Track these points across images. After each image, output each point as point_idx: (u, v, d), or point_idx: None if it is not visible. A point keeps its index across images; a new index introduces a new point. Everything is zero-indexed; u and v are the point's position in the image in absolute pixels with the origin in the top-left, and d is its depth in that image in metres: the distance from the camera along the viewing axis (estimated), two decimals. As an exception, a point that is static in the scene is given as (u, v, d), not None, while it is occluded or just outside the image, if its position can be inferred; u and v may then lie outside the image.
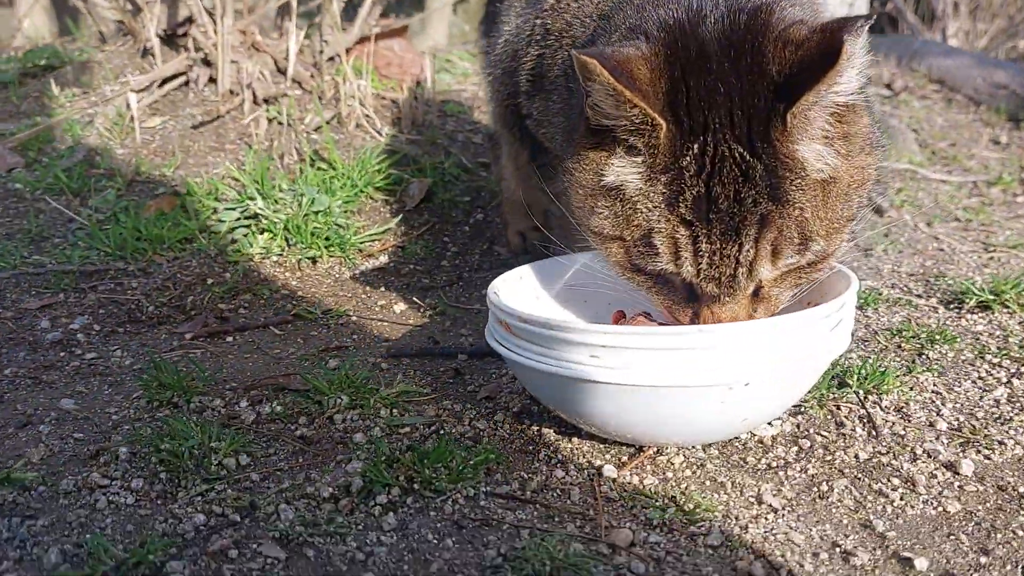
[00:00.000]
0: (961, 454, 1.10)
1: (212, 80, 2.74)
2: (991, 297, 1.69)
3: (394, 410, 1.24)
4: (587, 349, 0.99)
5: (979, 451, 1.11)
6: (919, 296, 1.80)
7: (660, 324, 1.13)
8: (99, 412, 1.29)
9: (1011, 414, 1.21)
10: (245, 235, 2.04)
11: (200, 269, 1.93)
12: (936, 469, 1.06)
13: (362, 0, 2.88)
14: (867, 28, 0.99)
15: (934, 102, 4.06)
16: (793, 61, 1.00)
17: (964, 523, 0.96)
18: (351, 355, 1.50)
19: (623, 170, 1.05)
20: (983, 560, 0.89)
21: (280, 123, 2.57)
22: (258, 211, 2.04)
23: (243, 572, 0.88)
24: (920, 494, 1.01)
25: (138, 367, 1.50)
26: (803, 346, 1.00)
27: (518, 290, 1.28)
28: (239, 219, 2.09)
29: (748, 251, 0.99)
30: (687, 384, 0.98)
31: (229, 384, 1.39)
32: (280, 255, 2.00)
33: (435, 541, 0.92)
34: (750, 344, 0.97)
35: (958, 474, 1.05)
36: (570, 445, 1.13)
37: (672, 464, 1.08)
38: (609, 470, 1.06)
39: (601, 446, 1.13)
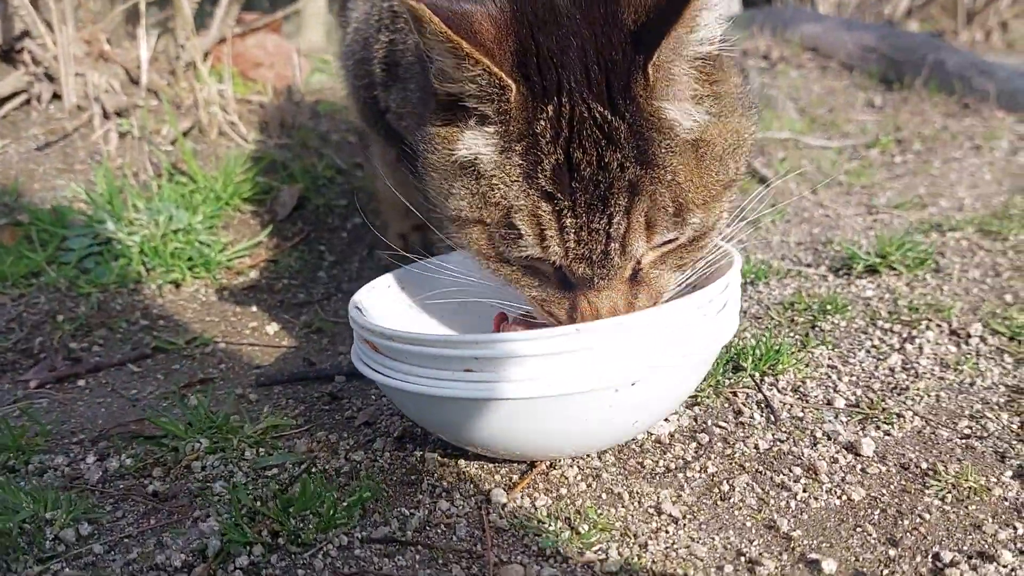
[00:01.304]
0: (861, 433, 1.05)
1: (57, 96, 2.52)
2: (878, 260, 1.67)
3: (260, 449, 1.12)
4: (459, 363, 0.90)
5: (879, 427, 1.06)
6: (808, 265, 1.78)
7: (541, 326, 1.04)
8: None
9: (907, 382, 1.18)
10: (98, 263, 1.87)
11: (49, 306, 1.75)
12: (837, 452, 1.01)
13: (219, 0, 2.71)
14: None
15: (809, 70, 4.12)
16: (648, 6, 0.91)
17: (870, 512, 0.90)
18: (215, 389, 1.37)
19: (475, 142, 0.94)
20: (892, 553, 0.83)
21: (133, 136, 2.38)
22: (109, 235, 1.87)
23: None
24: (823, 483, 0.95)
25: (-25, 424, 1.33)
26: (689, 337, 0.92)
27: (386, 302, 1.18)
28: (91, 246, 1.91)
29: (619, 223, 0.89)
30: (570, 392, 0.89)
31: (76, 437, 1.23)
32: (137, 282, 1.83)
33: (305, 602, 0.82)
34: (632, 341, 0.89)
35: (859, 455, 1.00)
36: (456, 470, 1.03)
37: (566, 479, 1.00)
38: (498, 495, 0.96)
39: (490, 466, 1.04)
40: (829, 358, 1.27)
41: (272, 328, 1.67)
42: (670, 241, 0.94)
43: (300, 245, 2.04)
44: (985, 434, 1.03)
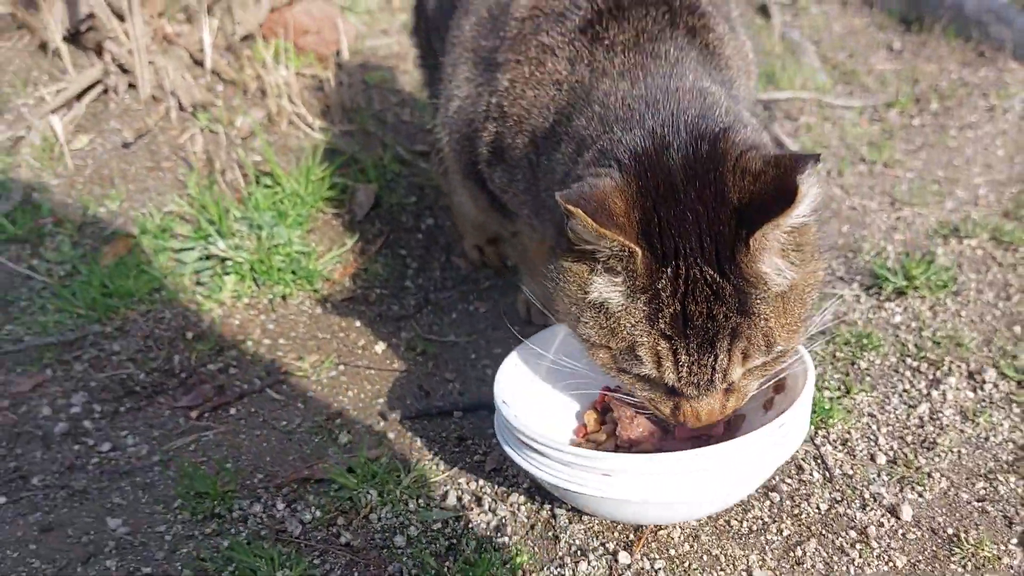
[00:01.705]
0: (900, 495, 1.34)
1: (131, 85, 2.67)
2: (904, 283, 1.92)
3: (420, 500, 1.40)
4: (598, 471, 1.17)
5: (913, 488, 1.35)
6: (842, 280, 2.03)
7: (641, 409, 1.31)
8: (150, 533, 1.41)
9: (934, 436, 1.46)
10: (212, 277, 2.10)
11: (176, 321, 2.00)
12: (882, 516, 1.30)
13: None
14: (817, 164, 1.12)
15: (831, 5, 4.21)
16: (752, 191, 1.13)
17: None
18: (353, 423, 1.65)
19: (605, 289, 1.17)
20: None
21: (212, 131, 2.55)
22: (220, 253, 2.09)
23: None
24: (873, 548, 1.25)
25: (157, 459, 1.61)
26: (778, 454, 1.20)
27: (516, 380, 1.42)
28: (200, 259, 2.13)
29: (722, 360, 1.15)
30: (687, 501, 1.17)
31: (257, 476, 1.52)
32: (251, 296, 2.07)
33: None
34: (736, 463, 1.16)
35: (899, 519, 1.29)
36: (583, 527, 1.33)
37: (672, 539, 1.29)
38: (623, 556, 1.26)
39: (608, 524, 1.33)
40: (869, 405, 1.55)
41: (380, 347, 1.93)
42: (760, 361, 1.20)
43: (383, 249, 2.27)
44: (997, 497, 1.32)
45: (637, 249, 1.11)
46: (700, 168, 1.16)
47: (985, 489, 1.34)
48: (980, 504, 1.31)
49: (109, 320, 2.00)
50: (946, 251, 2.10)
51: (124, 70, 2.64)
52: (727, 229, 1.12)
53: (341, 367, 1.85)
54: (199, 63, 2.77)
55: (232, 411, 1.74)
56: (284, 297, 2.08)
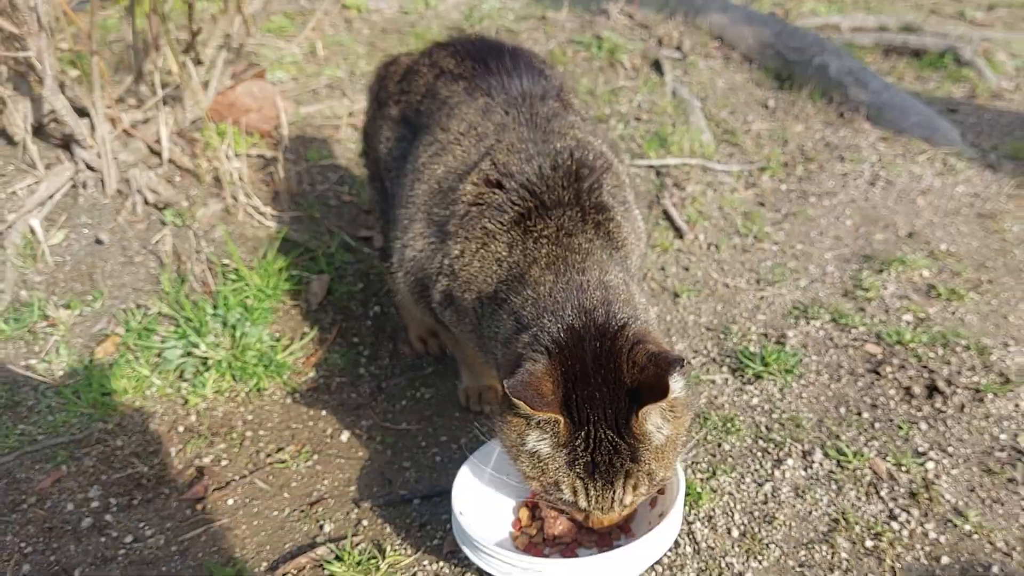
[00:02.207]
0: (746, 563, 1.86)
1: (99, 180, 2.97)
2: (762, 368, 2.45)
3: (395, 580, 1.85)
4: (534, 571, 1.64)
5: (755, 557, 1.87)
6: (715, 361, 2.54)
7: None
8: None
9: (774, 511, 1.99)
10: (194, 374, 2.47)
11: (168, 416, 2.37)
12: (733, 583, 1.82)
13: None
14: (682, 367, 1.58)
15: (716, 61, 4.72)
16: (639, 379, 1.60)
17: (749, 628, 1.72)
18: (333, 511, 2.07)
19: (537, 442, 1.63)
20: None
21: (177, 224, 2.88)
22: (201, 354, 2.46)
23: None
24: (725, 609, 1.76)
25: (175, 549, 2.00)
26: (662, 547, 1.69)
27: (467, 491, 1.87)
28: (182, 355, 2.50)
29: (619, 493, 1.63)
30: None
31: (262, 564, 1.93)
32: (230, 390, 2.45)
33: None
34: (635, 561, 1.65)
35: (745, 584, 1.81)
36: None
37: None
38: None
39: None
40: (729, 485, 2.06)
41: (345, 436, 2.34)
42: (644, 490, 1.68)
43: (338, 338, 2.67)
44: (813, 563, 1.85)
45: (561, 419, 1.57)
46: (604, 358, 1.61)
47: (805, 556, 1.87)
48: (800, 569, 1.84)
49: (110, 417, 2.35)
50: (796, 332, 2.64)
51: (91, 168, 2.94)
52: (623, 404, 1.59)
53: (315, 456, 2.27)
54: (156, 153, 3.09)
55: (230, 502, 2.14)
56: (259, 389, 2.47)
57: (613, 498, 1.63)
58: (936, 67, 5.03)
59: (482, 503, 1.89)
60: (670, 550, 1.89)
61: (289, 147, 3.37)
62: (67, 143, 2.99)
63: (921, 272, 2.95)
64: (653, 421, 1.60)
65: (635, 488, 1.64)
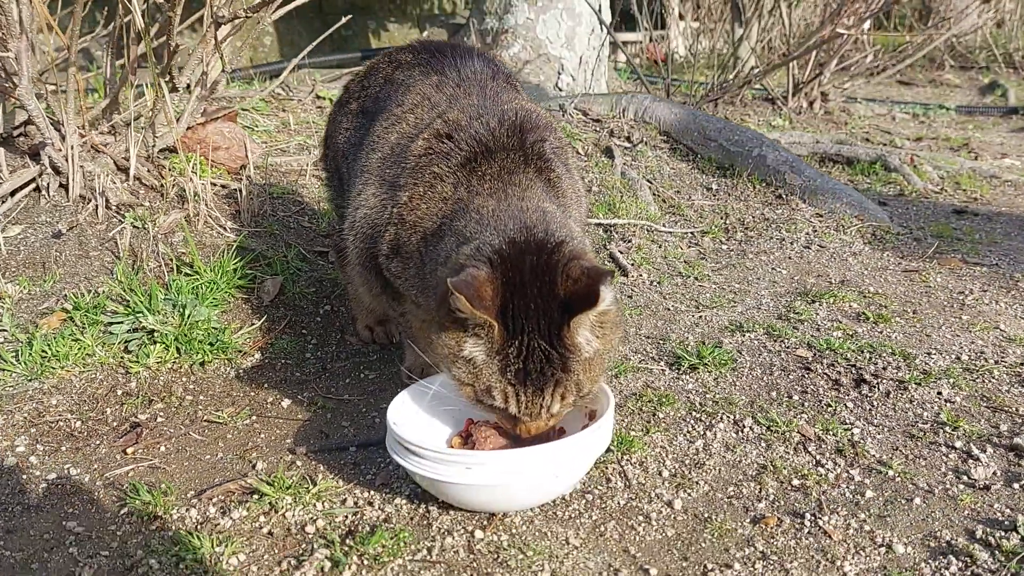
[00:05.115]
0: (675, 493, 1.87)
1: (61, 185, 3.06)
2: (697, 361, 2.53)
3: (325, 503, 1.83)
4: (463, 465, 1.65)
5: (685, 490, 1.89)
6: (653, 359, 2.62)
7: (497, 428, 1.81)
8: (103, 531, 1.77)
9: (704, 460, 2.02)
10: (139, 347, 2.48)
11: (107, 381, 2.37)
12: (662, 507, 1.83)
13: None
14: (611, 278, 1.67)
15: (663, 151, 5.03)
16: (572, 290, 1.68)
17: (675, 542, 1.73)
18: (268, 455, 2.06)
19: (473, 348, 1.68)
20: (684, 564, 1.65)
21: (136, 227, 2.96)
22: (149, 326, 2.48)
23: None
24: (653, 525, 1.77)
25: (100, 483, 1.96)
26: (589, 452, 1.72)
27: (404, 409, 1.90)
28: (129, 330, 2.51)
29: (547, 400, 1.67)
30: (531, 484, 1.67)
31: (189, 492, 1.90)
32: (174, 362, 2.46)
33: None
34: (563, 457, 1.67)
35: (673, 508, 1.82)
36: (451, 516, 1.79)
37: (514, 523, 1.77)
38: (479, 534, 1.72)
39: (469, 513, 1.80)
40: (661, 441, 2.10)
41: (286, 403, 2.35)
42: (572, 399, 1.72)
43: (287, 329, 2.71)
44: (740, 496, 1.87)
45: (496, 324, 1.64)
46: (540, 271, 1.69)
47: (733, 491, 1.90)
48: (728, 500, 1.86)
49: (47, 379, 2.34)
50: (732, 341, 2.74)
51: (57, 172, 3.03)
52: (556, 315, 1.66)
53: (254, 417, 2.26)
54: (123, 170, 3.20)
55: (162, 448, 2.11)
56: (203, 364, 2.48)
57: (542, 404, 1.67)
58: (867, 173, 5.41)
59: (417, 426, 1.90)
60: (600, 483, 1.91)
61: (255, 182, 3.51)
62: (35, 152, 3.09)
63: (851, 304, 3.10)
64: (583, 334, 1.67)
65: (563, 398, 1.68)
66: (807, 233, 4.04)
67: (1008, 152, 6.32)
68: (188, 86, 3.33)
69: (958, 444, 2.10)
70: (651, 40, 7.84)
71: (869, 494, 1.89)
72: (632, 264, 3.48)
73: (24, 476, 1.99)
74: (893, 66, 7.62)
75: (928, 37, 8.11)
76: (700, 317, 2.97)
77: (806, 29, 7.29)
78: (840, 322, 2.92)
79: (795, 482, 1.93)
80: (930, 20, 10.21)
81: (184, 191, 3.10)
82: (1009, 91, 8.54)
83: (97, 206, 2.99)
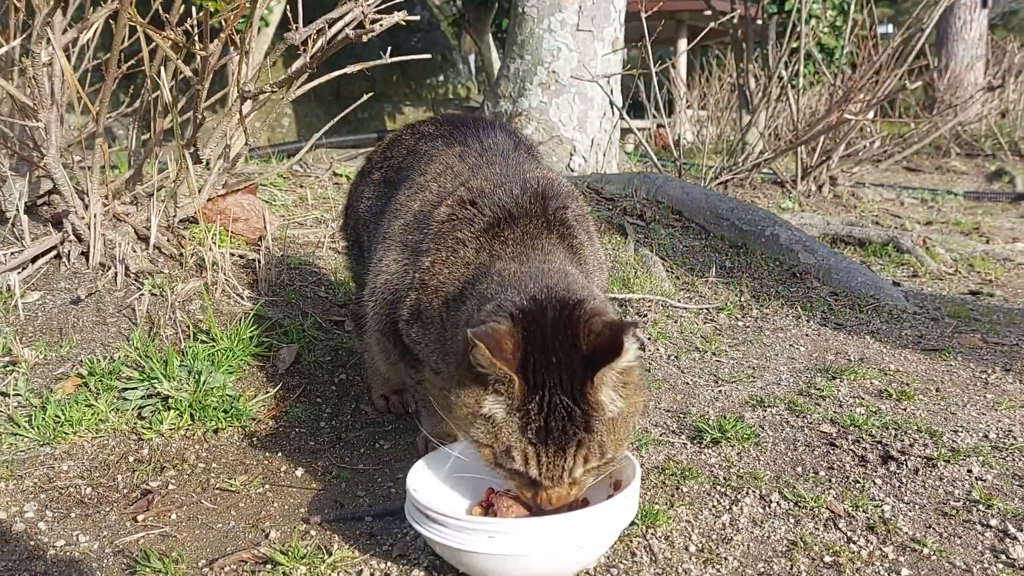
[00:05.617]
0: (704, 570, 1.81)
1: (82, 253, 3.07)
2: (719, 435, 2.48)
3: (341, 573, 1.77)
4: (485, 533, 1.60)
5: (713, 565, 1.82)
6: (674, 432, 2.57)
7: (518, 499, 1.76)
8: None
9: (731, 535, 1.96)
10: (153, 412, 2.45)
11: (120, 447, 2.32)
12: (690, 583, 1.76)
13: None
14: (636, 330, 1.66)
15: (676, 229, 5.05)
16: (595, 345, 1.65)
17: (706, 618, 1.66)
18: (281, 524, 2.00)
19: (493, 406, 1.64)
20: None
21: (154, 294, 2.96)
22: (165, 392, 2.46)
23: None
24: (682, 602, 1.70)
25: (109, 551, 1.90)
26: (616, 521, 1.66)
27: (424, 476, 1.85)
28: (143, 396, 2.48)
29: (570, 462, 1.63)
30: (554, 556, 1.61)
31: (200, 562, 1.84)
32: (187, 429, 2.42)
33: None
34: (590, 526, 1.62)
35: (703, 585, 1.76)
36: (469, 590, 1.72)
37: (537, 597, 1.70)
38: (500, 608, 1.66)
39: (487, 587, 1.73)
40: (686, 515, 2.04)
41: (299, 472, 2.30)
42: (595, 464, 1.68)
43: (301, 397, 2.68)
44: (772, 572, 1.81)
45: (516, 378, 1.61)
46: (562, 326, 1.68)
47: (763, 567, 1.83)
48: (759, 576, 1.80)
49: (58, 444, 2.30)
50: (753, 415, 2.69)
51: (79, 239, 3.05)
52: (579, 370, 1.63)
53: (267, 485, 2.21)
54: (144, 239, 3.22)
55: (173, 516, 2.06)
56: (216, 431, 2.44)
57: (564, 467, 1.63)
58: (879, 255, 5.42)
59: (437, 495, 1.85)
60: (626, 557, 1.85)
61: (272, 251, 3.52)
62: (58, 220, 3.13)
63: (872, 381, 3.06)
64: (607, 392, 1.64)
65: (586, 460, 1.64)
66: (823, 311, 4.02)
67: (1019, 236, 6.35)
68: (208, 162, 3.37)
69: (993, 522, 2.03)
70: (659, 127, 7.99)
71: (905, 572, 1.81)
72: (649, 338, 3.46)
73: (32, 542, 1.94)
74: (899, 152, 7.73)
75: (933, 125, 8.26)
76: (720, 391, 2.92)
77: (811, 116, 7.42)
78: (862, 399, 2.87)
79: (827, 559, 1.86)
80: (934, 109, 10.41)
81: (203, 260, 3.12)
82: (1016, 178, 8.63)
83: (116, 273, 3.00)
